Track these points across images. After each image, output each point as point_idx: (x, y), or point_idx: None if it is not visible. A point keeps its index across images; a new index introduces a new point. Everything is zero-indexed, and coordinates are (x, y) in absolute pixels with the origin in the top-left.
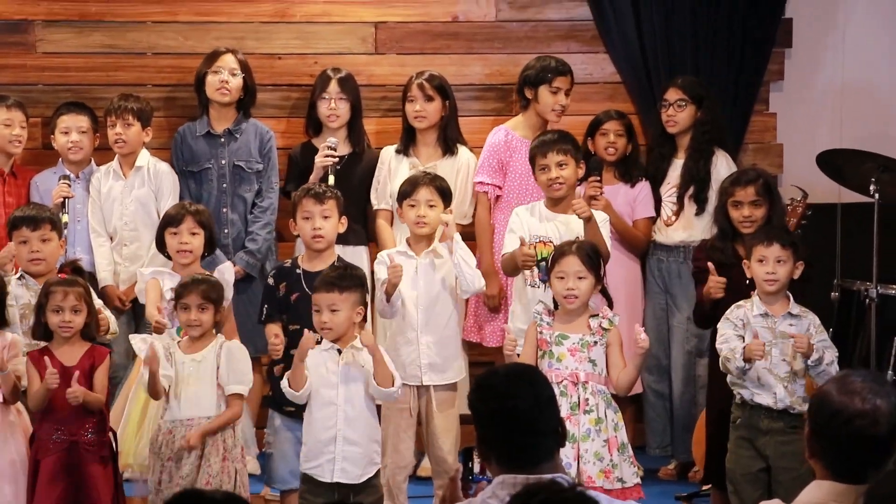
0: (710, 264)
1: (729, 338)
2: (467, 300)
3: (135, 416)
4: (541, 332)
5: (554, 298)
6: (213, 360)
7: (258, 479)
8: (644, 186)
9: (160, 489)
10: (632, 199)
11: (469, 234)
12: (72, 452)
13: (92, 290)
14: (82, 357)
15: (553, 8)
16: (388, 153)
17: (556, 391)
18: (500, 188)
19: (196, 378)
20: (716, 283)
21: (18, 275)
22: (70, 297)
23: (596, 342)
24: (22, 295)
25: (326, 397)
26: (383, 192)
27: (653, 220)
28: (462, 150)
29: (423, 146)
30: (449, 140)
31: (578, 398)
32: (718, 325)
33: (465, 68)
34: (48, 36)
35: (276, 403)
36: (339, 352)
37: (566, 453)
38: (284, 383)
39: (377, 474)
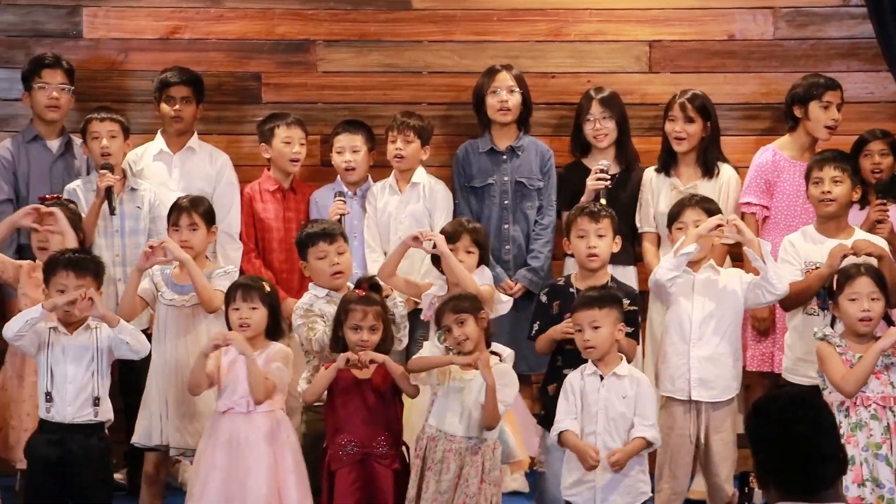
0: None
1: None
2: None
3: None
4: (843, 354)
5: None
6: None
7: (528, 496)
8: None
9: (421, 496)
10: None
11: (735, 255)
12: (364, 464)
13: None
14: (376, 371)
15: (834, 26)
16: (650, 174)
17: (867, 415)
18: (767, 209)
19: (468, 392)
20: None
21: (326, 293)
22: (369, 317)
23: (893, 363)
24: (330, 312)
25: (588, 427)
26: (646, 215)
27: None
28: (724, 169)
29: (683, 166)
30: (708, 161)
31: (888, 422)
32: None
33: (741, 87)
34: (329, 56)
35: (549, 422)
36: (601, 377)
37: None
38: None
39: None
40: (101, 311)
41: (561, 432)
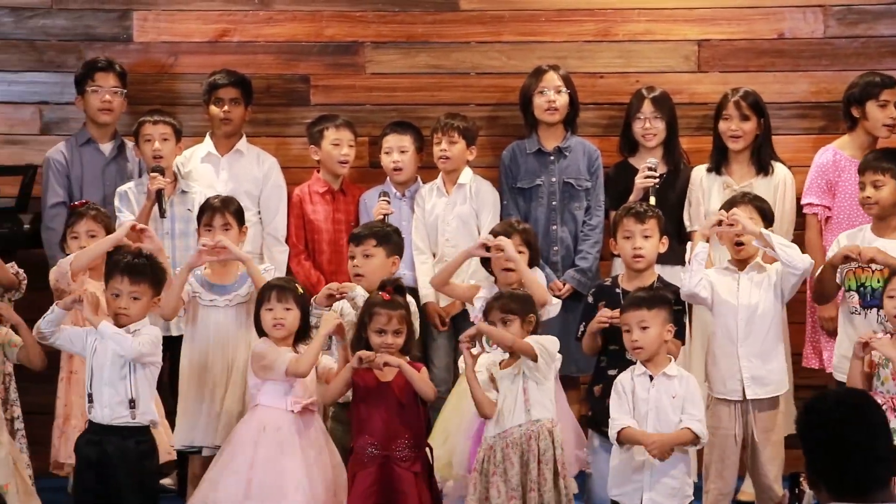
0: None
1: None
2: (803, 323)
3: (455, 429)
4: (872, 353)
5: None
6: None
7: (576, 497)
8: None
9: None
10: None
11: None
12: (385, 467)
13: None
14: (398, 373)
15: (885, 23)
16: (700, 172)
17: None
18: (829, 209)
19: (511, 384)
20: None
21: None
22: (393, 321)
23: None
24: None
25: (639, 427)
26: (696, 213)
27: None
28: (779, 168)
29: (735, 165)
30: (763, 159)
31: None
32: None
33: (790, 86)
34: (377, 57)
35: (595, 423)
36: (651, 378)
37: None
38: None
39: None
40: (87, 312)
41: (620, 430)
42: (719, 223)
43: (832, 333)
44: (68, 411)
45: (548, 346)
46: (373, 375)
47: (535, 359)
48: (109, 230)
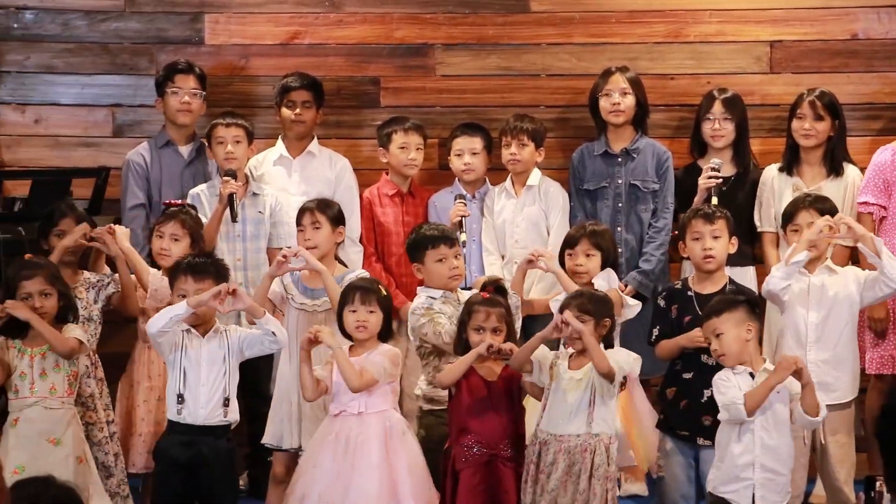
0: None
1: None
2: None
3: None
4: None
5: None
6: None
7: (647, 500)
8: None
9: (536, 500)
10: None
11: (855, 256)
12: (491, 465)
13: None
14: (502, 373)
15: None
16: (771, 173)
17: None
18: (885, 209)
19: (574, 390)
20: None
21: (441, 293)
22: (492, 318)
23: None
24: (448, 311)
25: (745, 423)
26: (767, 214)
27: None
28: (849, 170)
29: (806, 166)
30: (835, 161)
31: None
32: None
33: (864, 87)
34: (447, 59)
35: (669, 427)
36: (752, 375)
37: None
38: None
39: None
40: (248, 302)
41: (745, 401)
42: (830, 229)
43: (881, 334)
44: (128, 418)
45: (623, 365)
46: (477, 375)
47: (611, 381)
48: (196, 237)
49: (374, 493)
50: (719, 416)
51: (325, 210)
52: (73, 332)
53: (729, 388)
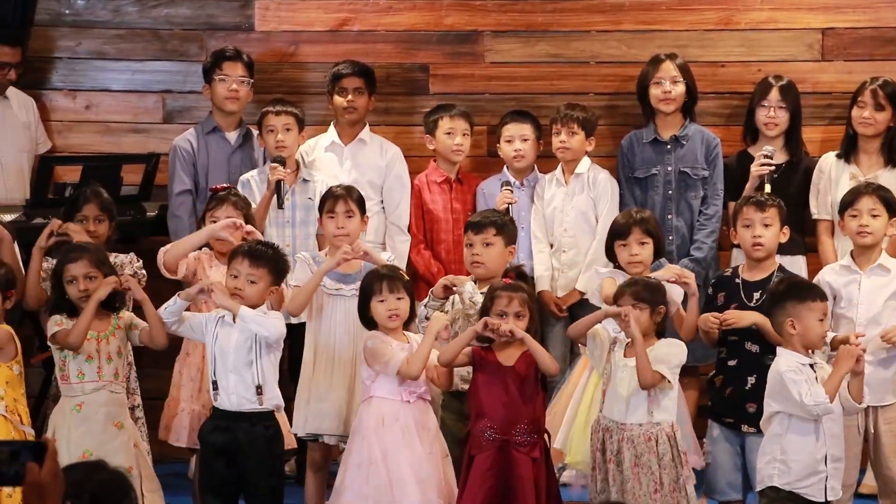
0: None
1: None
2: None
3: (582, 416)
4: None
5: None
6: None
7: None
8: None
9: (604, 488)
10: None
11: None
12: (504, 451)
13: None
14: (519, 358)
15: None
16: (828, 160)
17: None
18: None
19: (630, 377)
20: None
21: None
22: (514, 303)
23: None
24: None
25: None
26: (824, 202)
27: None
28: None
29: (864, 154)
30: (893, 150)
31: None
32: None
33: None
34: (496, 46)
35: (715, 414)
36: (812, 367)
37: None
38: None
39: None
40: (221, 300)
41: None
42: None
43: None
44: (177, 392)
45: (675, 363)
46: (494, 359)
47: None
48: (248, 218)
49: (414, 481)
50: (791, 410)
51: (355, 196)
52: (136, 322)
53: (805, 383)
